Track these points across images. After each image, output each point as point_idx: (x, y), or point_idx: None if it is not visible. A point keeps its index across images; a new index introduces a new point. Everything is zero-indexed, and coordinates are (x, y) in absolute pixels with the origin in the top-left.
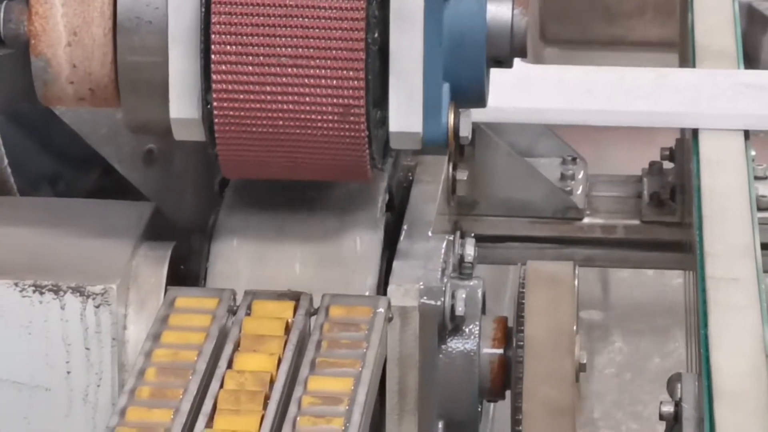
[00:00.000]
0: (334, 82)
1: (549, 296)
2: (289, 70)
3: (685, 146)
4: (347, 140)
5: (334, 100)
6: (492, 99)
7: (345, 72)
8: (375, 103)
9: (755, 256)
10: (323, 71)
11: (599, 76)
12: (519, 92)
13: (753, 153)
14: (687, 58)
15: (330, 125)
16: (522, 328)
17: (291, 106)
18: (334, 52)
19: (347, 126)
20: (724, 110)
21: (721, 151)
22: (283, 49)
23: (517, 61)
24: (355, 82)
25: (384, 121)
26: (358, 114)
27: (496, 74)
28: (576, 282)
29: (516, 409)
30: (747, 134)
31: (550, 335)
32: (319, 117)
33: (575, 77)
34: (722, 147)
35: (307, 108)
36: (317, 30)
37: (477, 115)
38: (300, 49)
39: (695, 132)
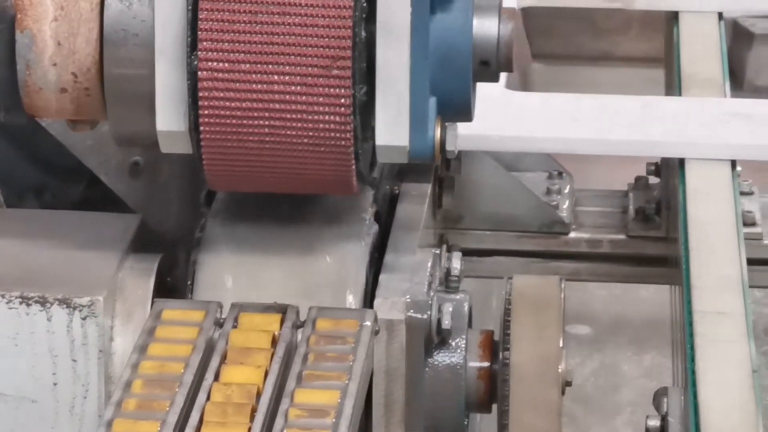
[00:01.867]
0: (324, 99)
1: (535, 322)
2: (277, 77)
3: (670, 162)
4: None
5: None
6: (475, 126)
7: (333, 81)
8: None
9: (743, 288)
10: (311, 81)
11: (584, 104)
12: (503, 120)
13: (738, 169)
14: (673, 86)
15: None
16: (508, 346)
17: (279, 114)
18: (320, 62)
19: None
20: (710, 140)
21: (707, 181)
22: (271, 57)
23: (501, 87)
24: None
25: (371, 134)
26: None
27: (479, 102)
28: (562, 296)
29: (502, 426)
30: (734, 164)
31: (536, 363)
32: (307, 126)
33: (559, 105)
34: (709, 177)
35: (295, 119)
36: (305, 38)
37: (461, 143)
38: (288, 57)
39: (681, 162)
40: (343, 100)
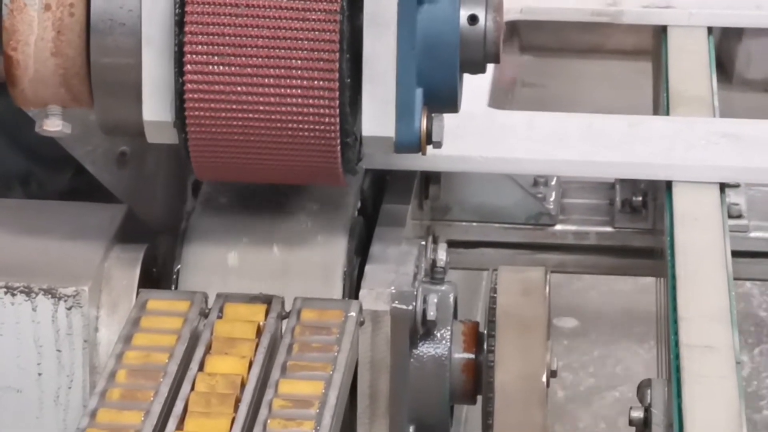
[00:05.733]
0: (310, 91)
1: (520, 343)
2: (264, 68)
3: None
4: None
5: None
6: (458, 147)
7: (319, 73)
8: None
9: (731, 320)
10: (297, 72)
11: (569, 124)
12: (486, 140)
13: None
14: (661, 104)
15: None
16: (492, 363)
17: (265, 105)
18: (307, 53)
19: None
20: (699, 162)
21: (695, 205)
22: (258, 48)
23: (484, 107)
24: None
25: (358, 125)
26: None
27: (462, 122)
28: (548, 289)
29: (487, 414)
30: (723, 187)
31: (521, 384)
32: (293, 117)
33: (545, 124)
34: (697, 201)
35: (282, 110)
36: (293, 30)
37: (444, 164)
38: (276, 48)
39: (669, 184)
40: (330, 92)
